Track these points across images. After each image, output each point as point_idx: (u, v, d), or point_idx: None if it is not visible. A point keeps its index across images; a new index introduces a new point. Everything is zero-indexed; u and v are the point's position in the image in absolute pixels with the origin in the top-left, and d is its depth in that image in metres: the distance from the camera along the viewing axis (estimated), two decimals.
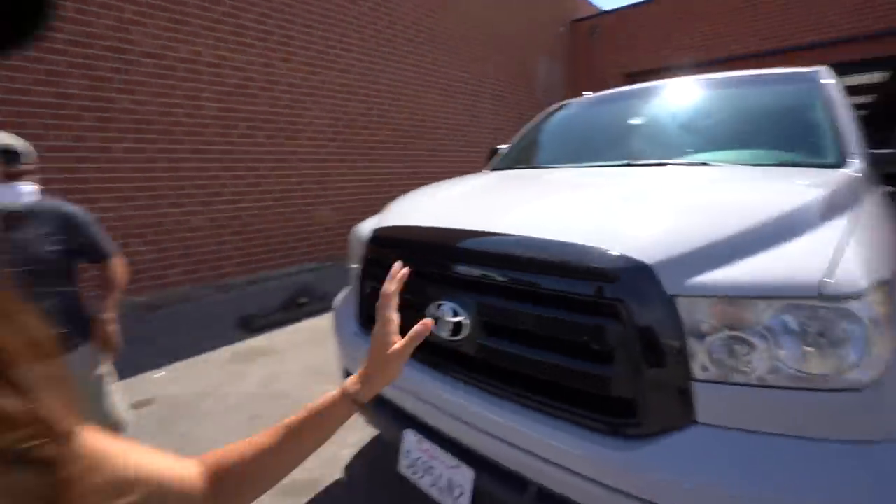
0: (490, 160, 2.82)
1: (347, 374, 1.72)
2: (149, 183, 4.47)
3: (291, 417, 0.57)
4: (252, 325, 4.03)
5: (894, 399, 0.82)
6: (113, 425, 1.73)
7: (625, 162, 1.81)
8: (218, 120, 4.90)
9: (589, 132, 2.31)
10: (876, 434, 0.82)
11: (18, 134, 1.64)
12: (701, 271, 0.91)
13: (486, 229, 1.18)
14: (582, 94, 2.87)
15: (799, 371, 0.84)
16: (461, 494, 1.18)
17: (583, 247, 0.98)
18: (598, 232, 1.04)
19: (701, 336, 0.90)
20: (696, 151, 1.77)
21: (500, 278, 1.11)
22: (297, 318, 4.27)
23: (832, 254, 0.88)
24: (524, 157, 2.43)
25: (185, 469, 0.49)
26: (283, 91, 5.43)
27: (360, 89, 6.25)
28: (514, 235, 1.11)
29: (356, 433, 2.32)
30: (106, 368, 1.74)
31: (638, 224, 1.06)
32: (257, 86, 5.18)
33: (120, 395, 1.80)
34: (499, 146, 2.96)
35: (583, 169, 1.90)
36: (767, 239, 0.95)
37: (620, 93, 2.49)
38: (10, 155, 1.54)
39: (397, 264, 0.67)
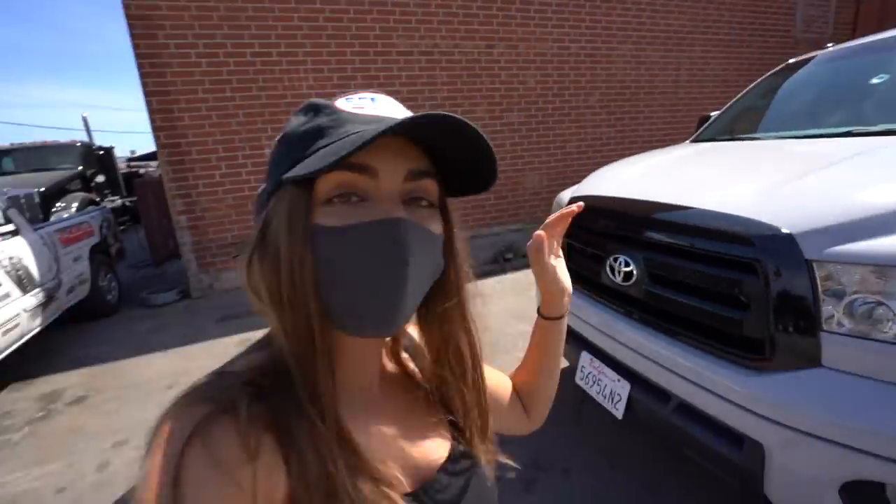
0: (698, 128, 2.81)
1: None
2: None
3: (533, 342, 0.68)
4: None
5: None
6: None
7: (845, 130, 1.73)
8: (448, 100, 5.87)
9: (814, 94, 2.13)
10: None
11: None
12: (844, 241, 1.06)
13: (657, 199, 1.48)
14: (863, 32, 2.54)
15: None
16: (619, 401, 1.58)
17: (734, 216, 1.22)
18: (756, 204, 1.24)
19: (839, 296, 1.07)
20: None
21: (665, 239, 1.42)
22: (503, 271, 5.01)
23: None
24: (729, 127, 2.40)
25: (509, 383, 0.68)
26: (502, 68, 6.05)
27: (571, 56, 6.39)
28: (679, 205, 1.39)
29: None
30: None
31: (796, 197, 1.21)
32: (479, 66, 5.93)
33: None
34: (711, 113, 2.89)
35: (783, 141, 1.87)
36: None
37: (870, 43, 2.15)
38: None
39: (574, 205, 0.66)
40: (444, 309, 0.47)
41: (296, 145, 0.40)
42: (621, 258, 1.58)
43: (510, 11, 5.96)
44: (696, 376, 1.30)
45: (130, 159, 13.85)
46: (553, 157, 6.51)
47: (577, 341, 1.86)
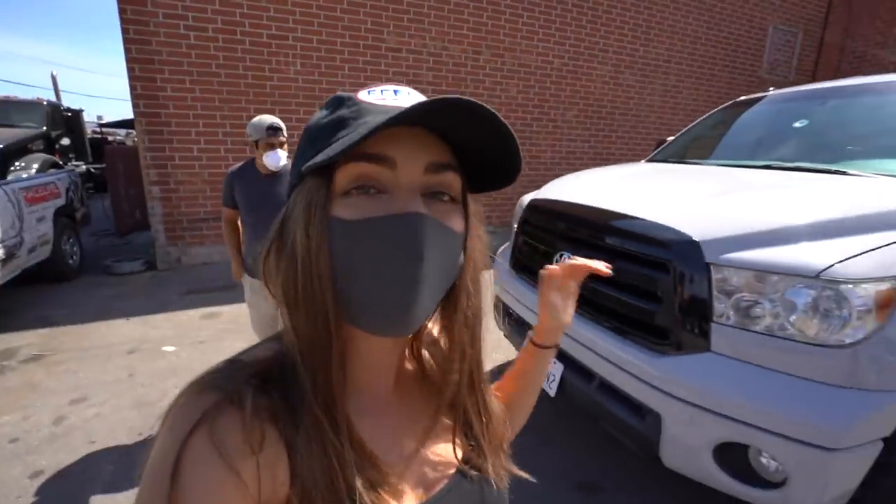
0: (655, 149, 3.09)
1: (497, 299, 2.43)
2: None
3: (518, 364, 0.69)
4: None
5: (865, 360, 1.11)
6: None
7: (765, 164, 2.00)
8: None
9: (747, 131, 2.43)
10: (851, 382, 1.13)
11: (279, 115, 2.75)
12: (736, 250, 1.29)
13: (600, 206, 1.70)
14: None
15: (792, 328, 1.19)
16: (553, 380, 1.79)
17: (653, 222, 1.44)
18: (676, 215, 1.47)
19: (728, 294, 1.30)
20: (847, 159, 1.85)
21: (602, 240, 1.64)
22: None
23: (853, 253, 1.17)
24: (680, 151, 2.67)
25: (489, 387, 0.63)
26: (486, 74, 6.27)
27: (554, 70, 6.68)
28: (616, 212, 1.61)
29: (501, 354, 3.07)
30: None
31: (708, 212, 1.45)
32: (465, 71, 6.14)
33: None
34: (667, 138, 3.18)
35: (717, 167, 2.14)
36: (806, 235, 1.26)
37: (796, 92, 2.47)
38: (274, 130, 2.03)
39: (603, 265, 0.65)
40: (455, 309, 0.45)
41: (317, 137, 0.40)
42: (565, 255, 1.79)
43: (499, 21, 6.20)
44: (615, 358, 1.52)
45: (101, 125, 13.35)
46: (528, 164, 6.77)
47: (522, 328, 2.06)
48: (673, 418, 1.34)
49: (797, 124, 2.17)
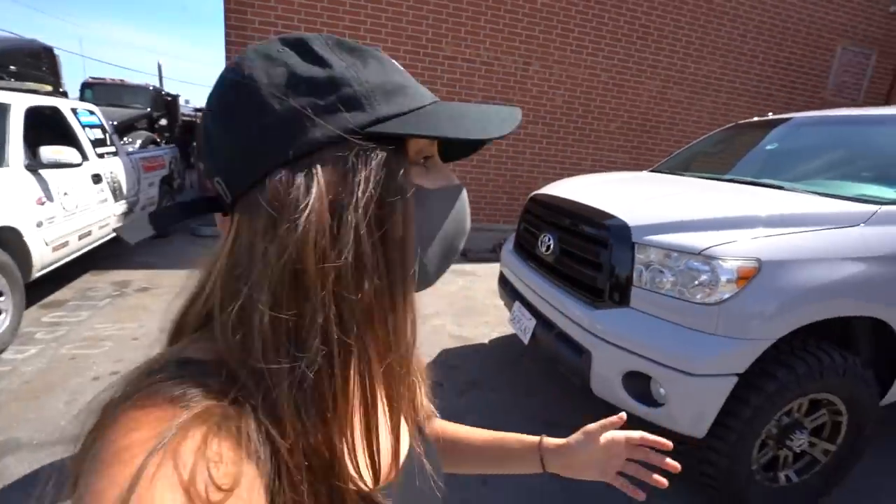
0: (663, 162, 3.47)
1: (502, 276, 2.95)
2: None
3: (496, 435, 0.67)
4: (468, 255, 5.70)
5: (725, 315, 1.55)
6: None
7: (728, 177, 2.40)
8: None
9: (732, 150, 2.80)
10: (716, 331, 1.58)
11: None
12: (655, 234, 1.76)
13: (573, 198, 2.20)
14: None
15: (684, 291, 1.65)
16: (528, 332, 2.30)
17: (603, 211, 1.93)
18: (622, 206, 1.95)
19: (646, 265, 1.77)
20: (793, 179, 2.22)
21: (569, 223, 2.14)
22: (497, 259, 5.72)
23: (729, 240, 1.61)
24: (675, 164, 3.07)
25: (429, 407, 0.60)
26: (534, 84, 6.73)
27: (600, 83, 7.02)
28: (581, 202, 2.10)
29: (501, 328, 3.58)
30: None
31: (648, 206, 1.92)
32: (514, 80, 6.64)
33: None
34: (678, 150, 3.54)
35: (688, 178, 2.56)
36: (701, 226, 1.70)
37: (773, 119, 2.81)
38: None
39: (616, 417, 0.64)
40: None
41: (369, 95, 0.34)
42: (547, 235, 2.30)
43: (551, 35, 6.64)
44: (567, 311, 2.02)
45: (196, 109, 15.18)
46: (567, 171, 7.15)
47: (513, 293, 2.58)
48: (598, 354, 1.83)
49: (769, 146, 2.53)
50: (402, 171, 0.35)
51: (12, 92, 3.53)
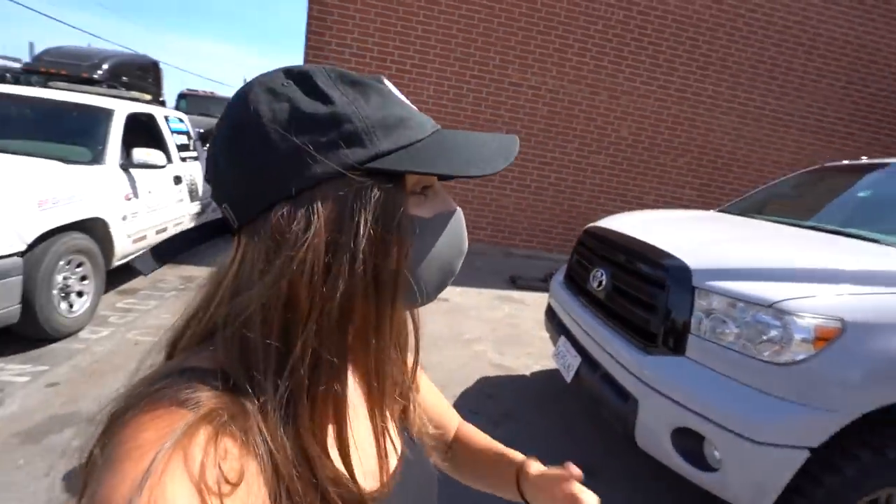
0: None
1: (550, 308, 2.84)
2: None
3: (495, 444, 0.67)
4: (517, 283, 5.58)
5: (796, 379, 1.38)
6: None
7: (809, 224, 2.18)
8: (543, 132, 6.55)
9: (815, 194, 2.55)
10: (786, 395, 1.41)
11: None
12: (719, 279, 1.62)
13: (629, 234, 2.09)
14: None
15: (747, 344, 1.49)
16: (571, 370, 2.19)
17: (662, 249, 1.81)
18: (684, 246, 1.82)
19: (707, 313, 1.63)
20: (890, 232, 1.98)
21: (624, 261, 2.03)
22: (547, 289, 5.56)
23: (811, 294, 1.45)
24: (746, 206, 2.85)
25: (454, 419, 0.69)
26: (600, 114, 6.60)
27: (670, 116, 6.75)
28: (638, 239, 1.99)
29: (544, 360, 3.44)
30: None
31: (713, 249, 1.77)
32: (579, 108, 6.55)
33: None
34: (752, 190, 3.30)
35: (761, 221, 2.35)
36: (780, 276, 1.54)
37: (868, 164, 2.52)
38: None
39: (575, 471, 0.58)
40: None
41: (370, 131, 0.35)
42: (600, 270, 2.19)
43: (620, 66, 6.51)
44: (615, 353, 1.89)
45: None
46: (629, 205, 6.89)
47: (559, 327, 2.47)
48: (646, 404, 1.69)
49: (861, 194, 2.28)
50: (400, 208, 0.36)
51: (117, 100, 3.95)
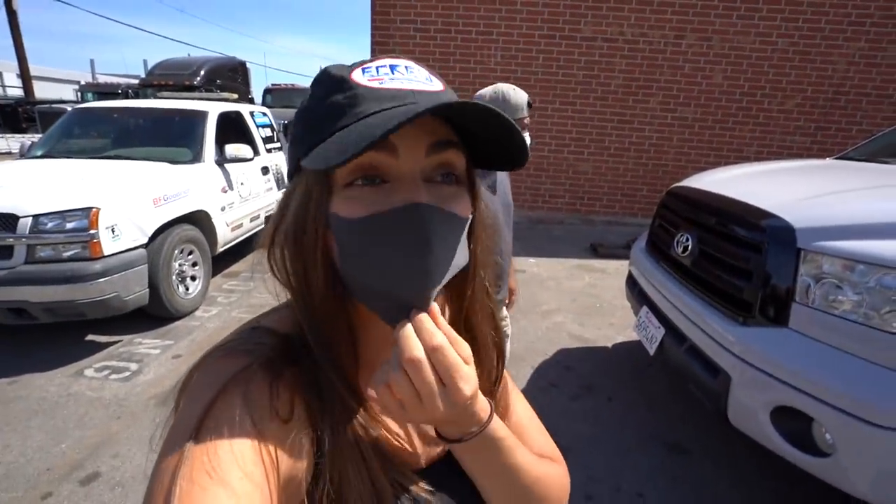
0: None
1: (630, 276, 2.67)
2: (559, 132, 6.25)
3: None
4: (598, 250, 5.32)
5: None
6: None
7: None
8: (622, 87, 6.04)
9: None
10: None
11: None
12: (831, 239, 1.39)
13: (715, 192, 1.86)
14: None
15: (870, 313, 1.27)
16: (655, 342, 2.05)
17: (758, 208, 1.59)
18: (786, 203, 1.58)
19: (815, 278, 1.41)
20: None
21: (713, 222, 1.82)
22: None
23: None
24: (874, 150, 2.39)
25: (537, 442, 0.56)
26: (687, 60, 5.92)
27: (776, 52, 5.84)
28: (728, 198, 1.76)
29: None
30: (508, 318, 1.88)
31: (818, 204, 1.52)
32: (663, 57, 5.92)
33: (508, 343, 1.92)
34: (882, 130, 2.77)
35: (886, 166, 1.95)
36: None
37: None
38: (530, 105, 1.63)
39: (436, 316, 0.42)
40: (462, 291, 0.45)
41: (312, 126, 0.38)
42: (685, 235, 2.00)
43: (712, 1, 5.73)
44: (704, 324, 1.73)
45: None
46: (725, 159, 6.18)
47: (641, 296, 2.32)
48: (740, 379, 1.53)
49: None
50: (314, 203, 0.38)
51: (210, 102, 4.33)
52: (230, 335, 0.41)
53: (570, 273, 4.64)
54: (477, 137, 0.40)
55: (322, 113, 0.38)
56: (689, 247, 1.94)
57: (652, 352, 2.04)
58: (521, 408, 0.57)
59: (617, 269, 4.80)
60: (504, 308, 1.87)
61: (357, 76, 0.38)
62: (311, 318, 0.40)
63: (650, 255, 2.43)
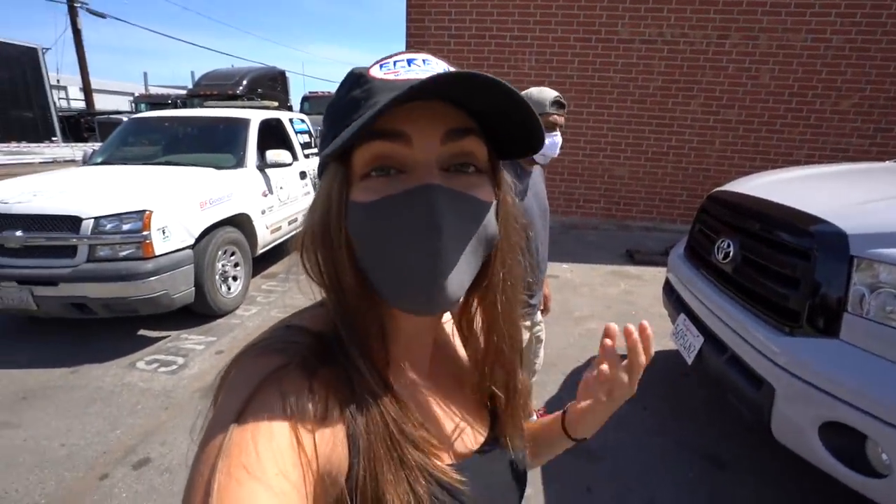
0: None
1: (668, 283, 2.60)
2: (594, 136, 6.15)
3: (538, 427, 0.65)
4: (634, 257, 5.19)
5: None
6: (532, 374, 1.95)
7: None
8: (661, 90, 5.88)
9: None
10: None
11: None
12: (888, 246, 1.31)
13: (758, 196, 1.78)
14: None
15: None
16: (693, 351, 1.98)
17: (806, 213, 1.51)
18: (837, 208, 1.50)
19: (870, 287, 1.33)
20: None
21: (757, 228, 1.75)
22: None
23: None
24: None
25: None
26: (731, 60, 5.70)
27: (829, 50, 5.54)
28: (773, 202, 1.69)
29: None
30: (542, 324, 1.92)
31: (870, 210, 1.43)
32: (705, 58, 5.73)
33: (542, 348, 1.98)
34: None
35: None
36: None
37: None
38: (560, 105, 1.59)
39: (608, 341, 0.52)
40: (488, 283, 0.45)
41: (334, 121, 0.40)
42: (726, 241, 1.93)
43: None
44: (747, 334, 1.66)
45: None
46: (772, 163, 5.89)
47: (678, 304, 2.25)
48: (785, 392, 1.46)
49: None
50: (334, 190, 0.39)
51: (252, 110, 4.53)
52: (264, 333, 0.41)
53: (605, 279, 4.55)
54: (497, 125, 0.40)
55: (342, 109, 0.39)
56: (731, 253, 1.87)
57: (690, 361, 1.98)
58: None
59: (654, 277, 4.66)
60: (539, 313, 1.88)
61: (375, 71, 0.39)
62: (344, 314, 0.40)
63: (689, 261, 2.35)
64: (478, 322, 0.49)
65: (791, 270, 1.55)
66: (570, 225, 6.44)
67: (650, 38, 5.79)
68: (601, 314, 3.69)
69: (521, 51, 6.03)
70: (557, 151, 1.62)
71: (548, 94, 1.60)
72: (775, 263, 1.62)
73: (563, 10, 5.83)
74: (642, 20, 5.74)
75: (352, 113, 0.37)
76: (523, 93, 1.60)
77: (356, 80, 0.39)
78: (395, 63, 0.40)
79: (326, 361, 0.38)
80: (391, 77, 0.38)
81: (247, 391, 0.34)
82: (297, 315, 0.44)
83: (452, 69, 0.39)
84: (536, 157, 1.61)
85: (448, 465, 0.42)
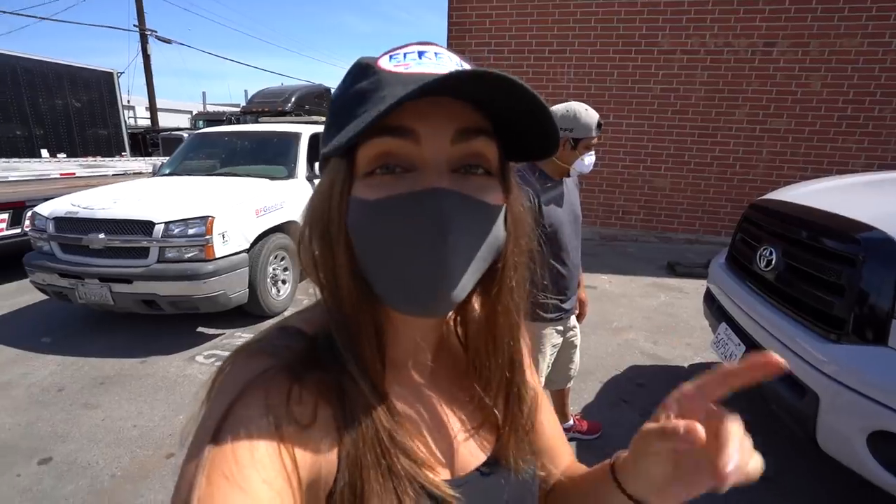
0: None
1: (709, 292, 2.57)
2: (634, 147, 6.10)
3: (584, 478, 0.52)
4: (675, 269, 5.08)
5: None
6: (567, 379, 2.00)
7: None
8: (704, 100, 5.79)
9: None
10: None
11: None
12: None
13: (801, 203, 1.77)
14: None
15: None
16: (733, 359, 1.97)
17: (853, 220, 1.50)
18: (886, 214, 1.49)
19: None
20: None
21: (800, 234, 1.74)
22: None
23: None
24: None
25: (567, 454, 0.56)
26: (779, 69, 5.54)
27: (888, 54, 5.29)
28: (817, 209, 1.68)
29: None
30: (577, 329, 1.97)
31: None
32: (750, 67, 5.60)
33: (577, 354, 2.00)
34: None
35: None
36: None
37: None
38: (600, 127, 1.65)
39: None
40: (495, 288, 0.42)
41: (339, 114, 0.37)
42: (769, 248, 1.92)
43: (810, 3, 5.34)
44: (790, 342, 1.64)
45: None
46: (825, 172, 5.64)
47: (719, 313, 2.23)
48: (831, 400, 1.44)
49: None
50: (336, 186, 0.37)
51: (302, 125, 4.82)
52: (261, 332, 0.40)
53: (645, 291, 4.48)
54: (510, 126, 0.38)
55: (347, 100, 0.37)
56: (773, 261, 1.86)
57: None
58: (553, 422, 0.56)
59: (696, 289, 4.55)
60: (573, 318, 1.93)
61: (384, 63, 0.37)
62: (339, 314, 0.38)
63: (730, 269, 2.33)
64: (478, 323, 0.46)
65: (836, 277, 1.54)
66: (609, 236, 6.38)
67: (692, 48, 5.72)
68: (640, 325, 3.65)
69: (559, 64, 6.10)
70: (587, 168, 1.69)
71: (594, 116, 1.63)
72: (820, 270, 1.61)
73: (602, 23, 5.87)
74: (683, 31, 5.69)
75: (357, 106, 0.35)
76: (564, 105, 1.66)
77: (363, 71, 0.37)
78: (405, 55, 0.37)
79: (317, 366, 0.37)
80: (401, 70, 0.36)
81: (230, 396, 0.33)
82: (295, 315, 0.43)
83: (465, 64, 0.38)
84: (582, 168, 1.68)
85: (444, 480, 0.40)
